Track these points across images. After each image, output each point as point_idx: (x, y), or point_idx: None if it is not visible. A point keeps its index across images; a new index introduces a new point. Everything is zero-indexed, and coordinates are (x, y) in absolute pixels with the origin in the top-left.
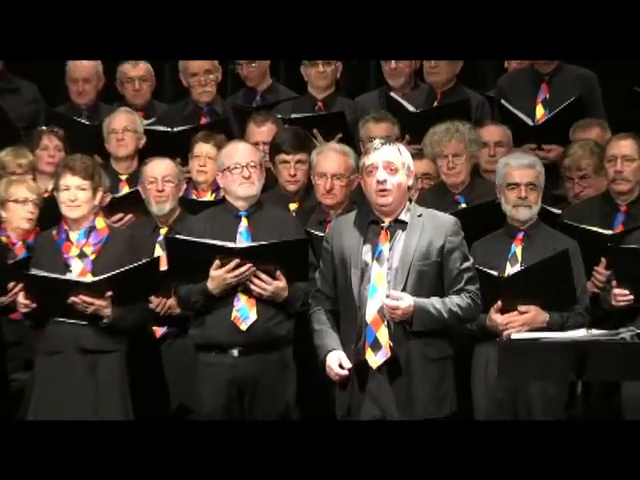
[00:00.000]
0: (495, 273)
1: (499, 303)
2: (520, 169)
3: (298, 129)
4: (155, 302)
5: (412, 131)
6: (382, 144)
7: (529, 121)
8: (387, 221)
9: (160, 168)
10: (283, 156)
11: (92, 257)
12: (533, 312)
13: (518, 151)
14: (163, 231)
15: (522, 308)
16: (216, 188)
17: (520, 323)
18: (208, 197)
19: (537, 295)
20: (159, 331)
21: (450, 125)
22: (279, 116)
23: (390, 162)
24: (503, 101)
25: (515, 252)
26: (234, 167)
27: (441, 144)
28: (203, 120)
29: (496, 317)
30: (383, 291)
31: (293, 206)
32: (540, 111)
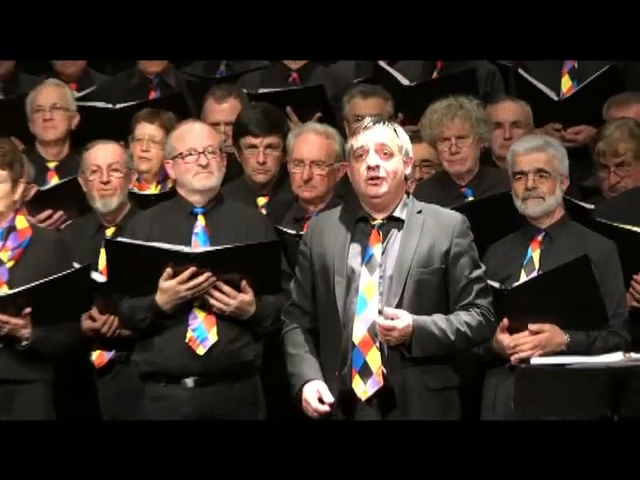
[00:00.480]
0: (496, 284)
1: (505, 321)
2: (526, 154)
3: (268, 106)
4: (100, 321)
5: (406, 109)
6: (374, 122)
7: (553, 95)
8: (379, 218)
9: (105, 154)
10: (250, 139)
11: (9, 264)
12: (548, 332)
13: (537, 133)
14: (109, 232)
15: (533, 327)
16: (162, 179)
17: (532, 346)
18: (152, 190)
19: (553, 311)
20: (105, 356)
21: (453, 101)
22: (245, 91)
23: (384, 144)
24: (521, 70)
25: (532, 257)
26: (188, 153)
27: (442, 124)
28: (152, 94)
29: (503, 338)
30: (374, 305)
31: (262, 201)
32: (567, 83)
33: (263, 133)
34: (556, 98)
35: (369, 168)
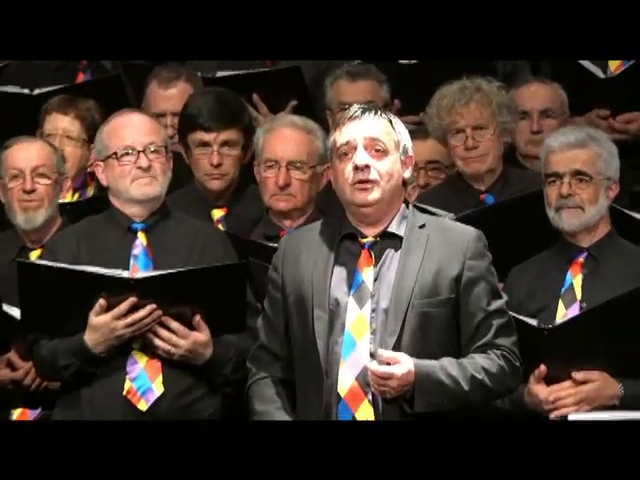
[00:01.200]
0: (534, 322)
1: (542, 368)
2: (562, 151)
3: (223, 91)
4: (21, 369)
5: (406, 95)
6: (362, 111)
7: (599, 72)
8: (371, 235)
9: (28, 155)
10: (200, 135)
11: None
12: (597, 382)
13: (576, 123)
14: (34, 255)
15: (579, 376)
16: (80, 186)
17: (576, 400)
18: (68, 199)
19: (603, 355)
20: (29, 415)
21: (467, 82)
22: (199, 74)
23: (375, 139)
24: None
25: (572, 284)
26: (124, 153)
27: (454, 111)
28: (80, 77)
29: (539, 390)
30: (365, 347)
31: (217, 214)
32: None
33: (217, 127)
34: (602, 76)
35: (356, 169)
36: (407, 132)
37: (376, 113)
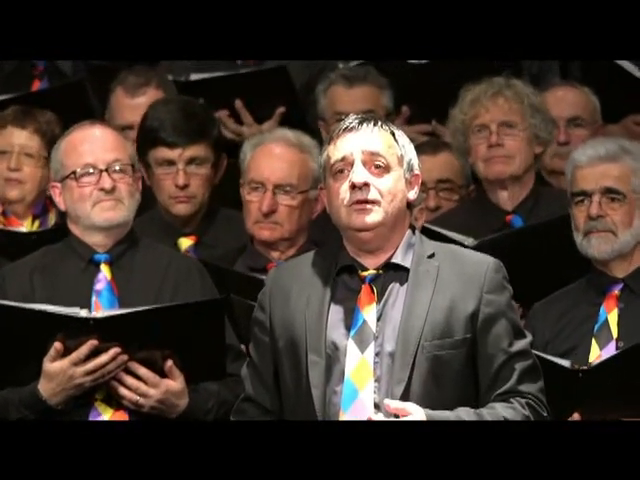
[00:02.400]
0: (567, 363)
1: (576, 417)
2: (591, 165)
3: (190, 101)
4: None
5: (417, 100)
6: (360, 122)
7: (636, 72)
8: (372, 267)
9: None
10: (163, 151)
11: None
12: None
13: (609, 133)
14: None
15: None
16: (40, 211)
17: None
18: (26, 228)
19: None
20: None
21: (499, 79)
22: (171, 78)
23: (375, 153)
24: None
25: (607, 320)
26: (84, 172)
27: (478, 104)
28: (36, 85)
29: None
30: (369, 396)
31: (185, 243)
32: None
33: (183, 142)
34: None
35: (354, 187)
36: (412, 147)
37: (376, 124)
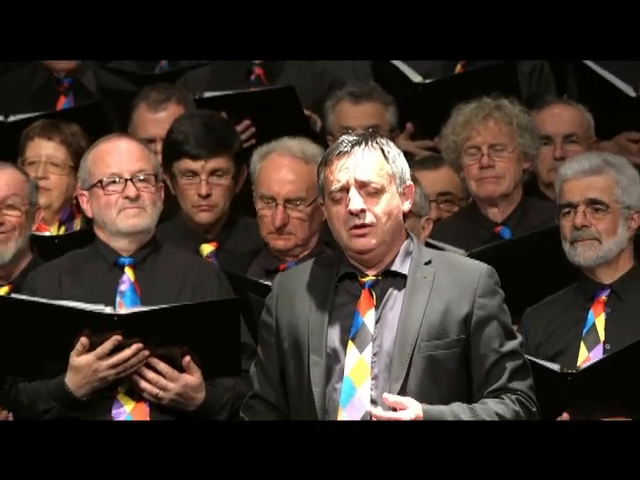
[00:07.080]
0: (556, 367)
1: (565, 417)
2: (576, 179)
3: (213, 115)
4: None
5: (418, 116)
6: (352, 145)
7: (629, 91)
8: (371, 274)
9: None
10: (187, 163)
11: None
12: None
13: (603, 149)
14: (2, 292)
15: None
16: (66, 218)
17: None
18: (52, 232)
19: (631, 401)
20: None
21: (488, 100)
22: (190, 95)
23: (367, 182)
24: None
25: (594, 325)
26: (110, 181)
27: (470, 126)
28: (62, 101)
29: None
30: (366, 394)
31: (207, 249)
32: None
33: (205, 154)
34: (633, 94)
35: (351, 214)
36: (402, 157)
37: (366, 144)
